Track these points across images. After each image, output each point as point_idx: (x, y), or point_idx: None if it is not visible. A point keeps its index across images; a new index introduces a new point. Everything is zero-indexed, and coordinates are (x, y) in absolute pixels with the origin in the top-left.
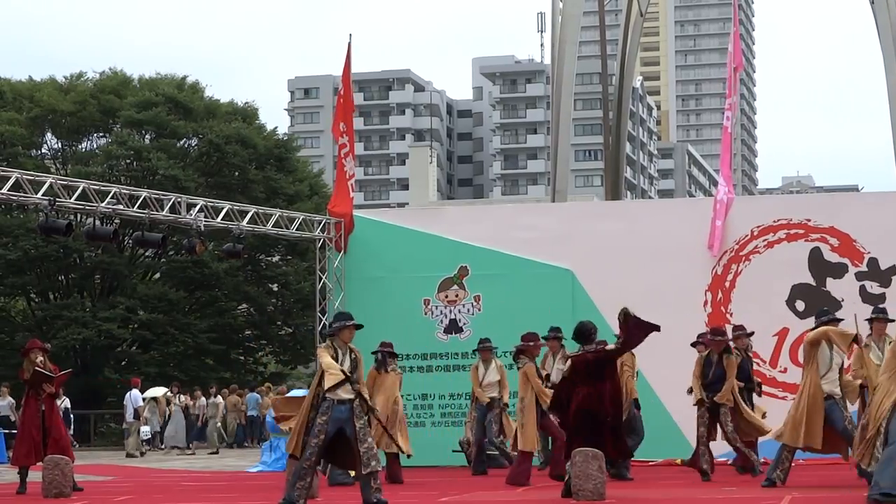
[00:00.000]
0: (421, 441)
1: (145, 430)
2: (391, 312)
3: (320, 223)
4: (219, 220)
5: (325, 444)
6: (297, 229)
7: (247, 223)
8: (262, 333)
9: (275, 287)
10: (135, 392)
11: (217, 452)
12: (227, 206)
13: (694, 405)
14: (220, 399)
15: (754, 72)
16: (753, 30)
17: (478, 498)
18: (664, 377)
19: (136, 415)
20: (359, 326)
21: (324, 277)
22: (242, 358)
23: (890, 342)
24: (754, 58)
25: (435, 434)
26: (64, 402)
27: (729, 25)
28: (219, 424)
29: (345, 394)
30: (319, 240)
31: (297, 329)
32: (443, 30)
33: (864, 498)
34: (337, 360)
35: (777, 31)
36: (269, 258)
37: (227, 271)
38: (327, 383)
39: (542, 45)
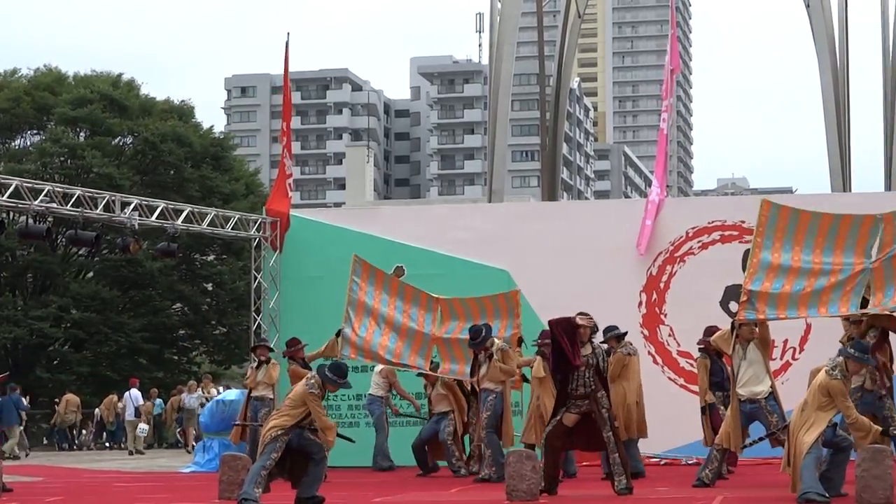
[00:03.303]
0: (357, 441)
1: (142, 428)
2: (326, 312)
3: (256, 222)
4: (153, 218)
5: (279, 459)
6: (232, 228)
7: (182, 222)
8: (197, 333)
9: (209, 286)
10: (134, 391)
11: (18, 458)
12: (162, 204)
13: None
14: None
15: (691, 74)
16: (690, 32)
17: (412, 498)
18: None
19: (137, 413)
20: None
21: (259, 277)
22: (176, 357)
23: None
24: (691, 60)
25: (370, 434)
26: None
27: (666, 27)
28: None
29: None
30: (255, 239)
31: (232, 329)
32: (381, 29)
33: (794, 498)
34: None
35: (714, 33)
36: (204, 257)
37: (162, 270)
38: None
39: (480, 45)
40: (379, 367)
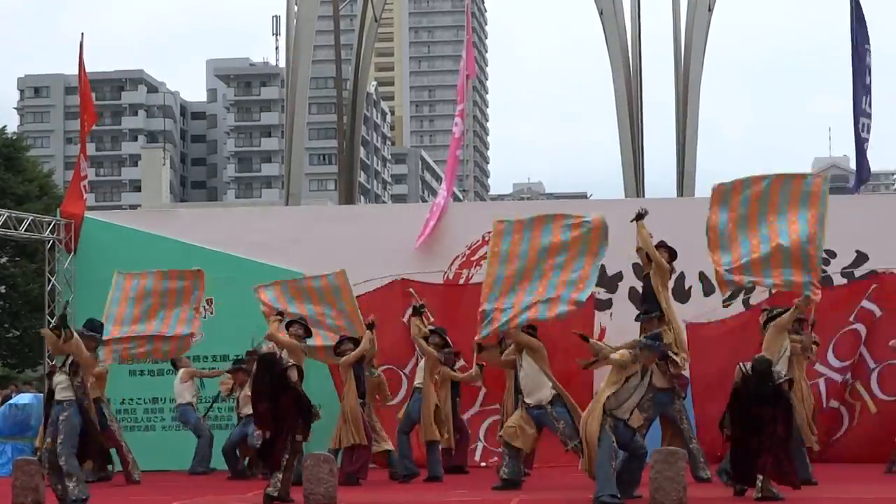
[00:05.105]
0: (153, 445)
1: None
2: None
3: (50, 224)
4: None
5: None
6: (25, 230)
7: None
8: None
9: (2, 289)
10: None
11: None
12: None
13: None
14: None
15: (487, 80)
16: (486, 37)
17: (210, 500)
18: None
19: None
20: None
21: (53, 279)
22: None
23: None
24: (487, 66)
25: (166, 438)
26: None
27: (463, 33)
28: None
29: (62, 395)
30: (49, 241)
31: (26, 332)
32: (177, 30)
33: (589, 500)
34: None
35: (510, 38)
36: None
37: None
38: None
39: (277, 48)
40: (179, 373)
